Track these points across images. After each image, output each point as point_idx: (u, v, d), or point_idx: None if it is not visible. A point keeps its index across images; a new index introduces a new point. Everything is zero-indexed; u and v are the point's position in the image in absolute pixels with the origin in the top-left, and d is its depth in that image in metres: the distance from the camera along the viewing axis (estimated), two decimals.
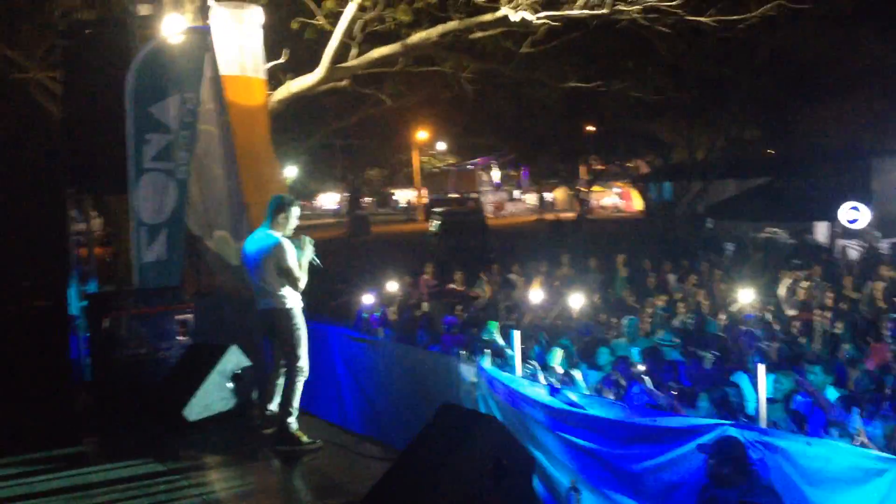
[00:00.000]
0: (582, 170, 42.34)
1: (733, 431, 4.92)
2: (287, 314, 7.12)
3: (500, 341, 9.62)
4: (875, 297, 12.45)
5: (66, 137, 9.36)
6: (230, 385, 8.05)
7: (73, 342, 8.71)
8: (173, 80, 9.17)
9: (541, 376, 7.31)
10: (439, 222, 32.93)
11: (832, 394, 7.39)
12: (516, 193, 67.01)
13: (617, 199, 61.13)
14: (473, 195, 57.47)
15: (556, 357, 8.76)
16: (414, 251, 26.70)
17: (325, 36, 13.79)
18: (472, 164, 62.86)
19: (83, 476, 6.71)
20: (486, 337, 9.85)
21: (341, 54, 13.98)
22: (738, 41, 17.79)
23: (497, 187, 65.99)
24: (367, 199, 64.13)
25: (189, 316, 8.95)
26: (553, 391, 5.99)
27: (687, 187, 31.04)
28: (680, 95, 22.56)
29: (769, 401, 6.16)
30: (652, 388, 7.65)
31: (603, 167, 43.49)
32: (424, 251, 28.34)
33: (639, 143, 34.49)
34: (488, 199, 60.02)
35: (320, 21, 13.99)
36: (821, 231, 23.42)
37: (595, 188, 47.55)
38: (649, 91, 19.93)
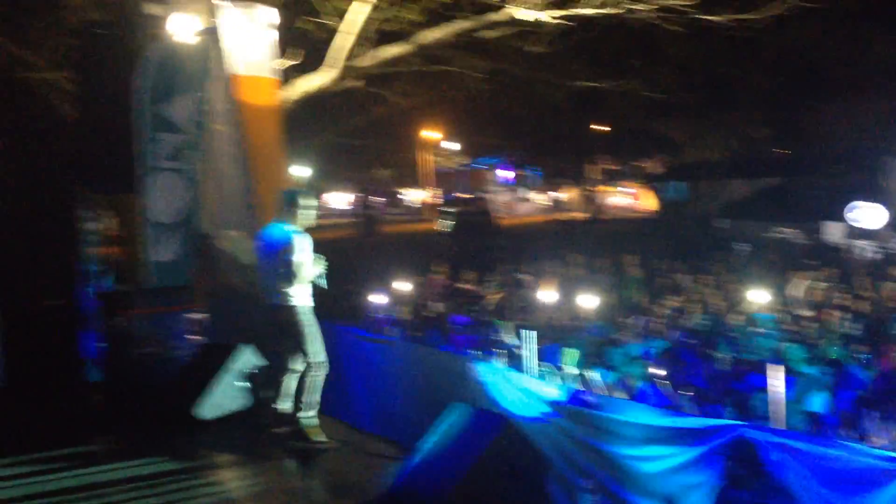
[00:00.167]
0: (593, 169, 42.28)
1: (750, 433, 4.87)
2: (294, 311, 7.14)
3: (512, 341, 9.58)
4: (884, 297, 12.34)
5: (78, 137, 9.39)
6: (242, 384, 8.05)
7: (87, 341, 8.72)
8: (183, 79, 9.19)
9: (554, 376, 7.27)
10: (450, 222, 32.91)
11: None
12: (527, 193, 66.92)
13: (628, 198, 61.01)
14: (484, 195, 57.47)
15: (568, 358, 8.71)
16: (424, 251, 26.65)
17: (336, 36, 13.80)
18: (482, 164, 62.83)
19: (96, 474, 6.72)
20: (497, 337, 9.82)
21: (352, 54, 13.99)
22: (748, 40, 17.75)
23: (507, 187, 65.92)
24: (378, 199, 64.15)
25: (201, 315, 8.96)
26: (567, 392, 5.95)
27: (700, 187, 30.93)
28: (690, 95, 22.50)
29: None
30: (667, 388, 7.60)
31: (614, 167, 43.46)
32: (435, 251, 28.31)
33: (650, 143, 34.44)
34: (499, 199, 59.97)
35: (331, 21, 14.00)
36: (835, 231, 23.28)
37: (606, 188, 47.49)
38: (659, 91, 19.87)
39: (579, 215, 43.20)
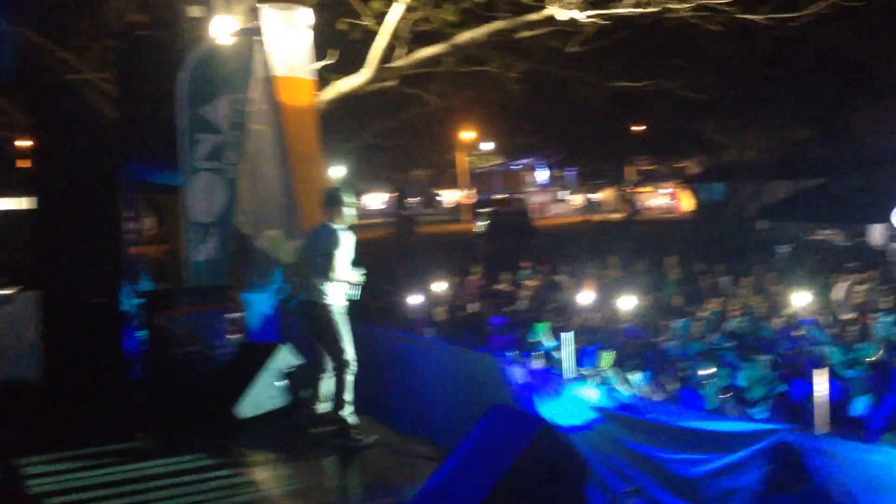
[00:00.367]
0: (629, 170, 41.98)
1: (792, 437, 4.82)
2: (327, 309, 7.21)
3: (549, 343, 9.56)
4: None
5: (119, 137, 9.51)
6: (280, 384, 8.11)
7: (128, 339, 8.83)
8: (223, 81, 9.26)
9: (592, 379, 7.24)
10: (485, 223, 32.88)
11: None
12: (562, 194, 66.60)
13: (665, 199, 60.44)
14: (519, 196, 57.31)
15: (606, 360, 8.68)
16: (460, 251, 26.64)
17: (372, 36, 13.84)
18: (517, 165, 62.66)
19: (138, 471, 6.80)
20: (534, 339, 9.80)
21: (388, 54, 14.02)
22: (789, 39, 17.51)
23: (543, 188, 65.68)
24: (413, 200, 64.23)
25: (240, 314, 9.03)
26: (607, 394, 5.92)
27: (739, 188, 30.59)
28: (730, 95, 22.25)
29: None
30: (707, 391, 7.54)
31: (651, 167, 43.13)
32: (471, 252, 28.29)
33: (688, 144, 34.11)
34: (534, 200, 59.76)
35: (367, 21, 14.04)
36: (878, 233, 22.91)
37: (643, 189, 47.13)
38: (698, 90, 19.65)
39: (615, 216, 42.94)
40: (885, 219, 21.06)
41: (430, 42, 14.70)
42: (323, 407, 7.54)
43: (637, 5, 13.04)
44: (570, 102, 25.05)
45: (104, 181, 8.97)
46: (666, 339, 10.58)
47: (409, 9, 13.58)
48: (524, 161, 60.32)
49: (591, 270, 15.97)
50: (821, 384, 5.25)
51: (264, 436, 7.64)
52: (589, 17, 13.17)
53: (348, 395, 7.24)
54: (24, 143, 18.46)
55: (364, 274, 7.33)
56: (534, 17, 13.60)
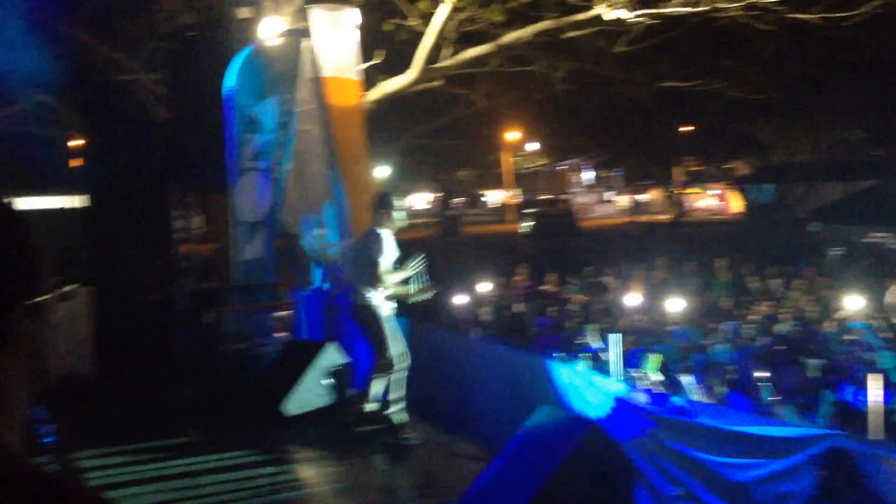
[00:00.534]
0: (677, 171, 41.53)
1: (846, 443, 4.71)
2: (366, 310, 7.25)
3: (597, 344, 9.49)
4: None
5: (170, 138, 9.63)
6: (327, 381, 8.16)
7: (178, 336, 8.94)
8: (271, 81, 9.35)
9: (641, 381, 7.17)
10: (531, 223, 32.79)
11: None
12: (608, 195, 66.15)
13: (714, 201, 59.72)
14: (564, 196, 57.01)
15: (653, 363, 8.59)
16: (505, 252, 26.60)
17: (418, 37, 13.86)
18: (563, 165, 62.39)
19: (186, 466, 6.89)
20: (581, 340, 9.74)
21: (434, 55, 14.03)
22: (842, 39, 17.16)
23: (588, 188, 65.31)
24: (458, 200, 64.26)
25: (287, 313, 9.11)
26: (654, 397, 5.85)
27: (789, 190, 30.13)
28: (781, 95, 21.88)
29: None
30: (758, 395, 7.43)
31: (699, 168, 42.64)
32: (515, 252, 28.23)
33: (737, 144, 33.63)
34: (580, 201, 59.44)
35: (413, 22, 14.06)
36: None
37: (691, 190, 46.62)
38: (749, 90, 19.36)
39: (662, 217, 42.56)
40: None
41: (476, 42, 14.68)
42: (370, 406, 7.57)
43: (685, 4, 12.89)
44: (617, 102, 24.86)
45: (154, 180, 9.10)
46: (715, 341, 10.46)
47: (456, 9, 13.57)
48: (570, 161, 60.01)
49: (638, 272, 15.84)
50: (876, 389, 5.14)
51: (311, 433, 7.69)
52: (636, 16, 13.05)
53: (395, 394, 7.27)
54: (77, 143, 18.79)
55: (421, 260, 7.35)
56: (580, 16, 13.51)
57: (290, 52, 9.49)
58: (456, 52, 14.52)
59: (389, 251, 7.28)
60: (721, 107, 23.97)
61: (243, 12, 10.40)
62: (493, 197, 68.44)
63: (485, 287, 13.49)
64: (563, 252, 26.36)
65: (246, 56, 9.29)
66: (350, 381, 8.38)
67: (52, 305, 1.30)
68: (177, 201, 10.05)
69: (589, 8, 13.25)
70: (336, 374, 8.21)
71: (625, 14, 12.91)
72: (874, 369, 8.02)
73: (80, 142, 15.44)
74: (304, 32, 9.69)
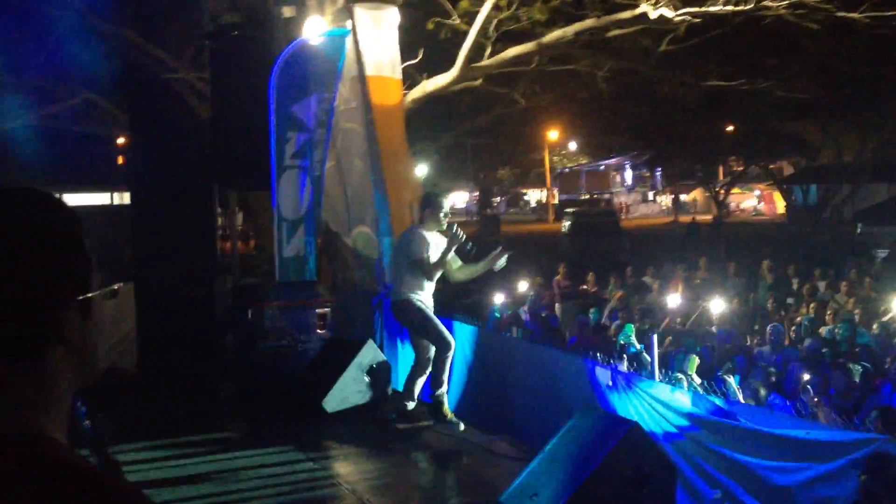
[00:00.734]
0: (719, 171, 41.06)
1: (889, 447, 4.63)
2: (401, 305, 7.31)
3: (637, 345, 9.43)
4: None
5: (213, 136, 9.72)
6: (366, 379, 8.20)
7: (220, 332, 9.04)
8: (312, 79, 9.39)
9: (682, 382, 7.11)
10: (571, 223, 32.63)
11: None
12: (650, 194, 65.67)
13: (757, 201, 58.97)
14: (606, 196, 56.70)
15: (693, 364, 8.51)
16: (545, 251, 26.51)
17: (460, 35, 13.84)
18: (604, 165, 62.06)
19: (229, 461, 6.97)
20: (622, 340, 9.68)
21: (475, 53, 14.01)
22: (891, 38, 16.82)
23: (629, 188, 64.87)
24: (498, 199, 64.21)
25: (327, 310, 9.17)
26: (696, 398, 5.80)
27: (834, 190, 29.66)
28: (828, 95, 21.49)
29: None
30: (802, 398, 7.33)
31: (741, 168, 42.14)
32: (555, 252, 28.12)
33: (782, 144, 33.14)
34: (620, 200, 59.07)
35: (455, 21, 14.05)
36: None
37: (734, 190, 46.08)
38: (794, 90, 19.05)
39: (704, 218, 42.13)
40: None
41: (519, 41, 14.63)
42: (412, 405, 7.61)
43: (730, 3, 12.74)
44: (660, 102, 24.62)
45: (197, 178, 9.20)
46: (758, 343, 10.34)
47: (497, 7, 13.53)
48: (611, 161, 59.68)
49: (680, 272, 15.71)
50: None
51: (350, 430, 7.73)
52: (680, 14, 12.92)
53: (444, 376, 7.34)
54: (125, 141, 19.07)
55: (503, 250, 7.40)
56: (624, 15, 13.40)
57: (332, 51, 9.53)
58: (497, 51, 14.48)
59: (433, 249, 7.32)
60: (766, 106, 23.63)
61: (286, 11, 10.46)
62: (533, 196, 68.23)
63: (524, 286, 13.47)
64: (605, 252, 26.22)
65: (288, 54, 9.35)
66: (390, 379, 8.42)
67: (100, 302, 1.33)
68: (219, 199, 10.17)
69: (633, 6, 13.13)
70: (375, 371, 8.25)
71: (668, 13, 12.78)
72: None
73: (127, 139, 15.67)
74: (346, 32, 9.74)
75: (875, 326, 10.90)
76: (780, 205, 42.04)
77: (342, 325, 9.39)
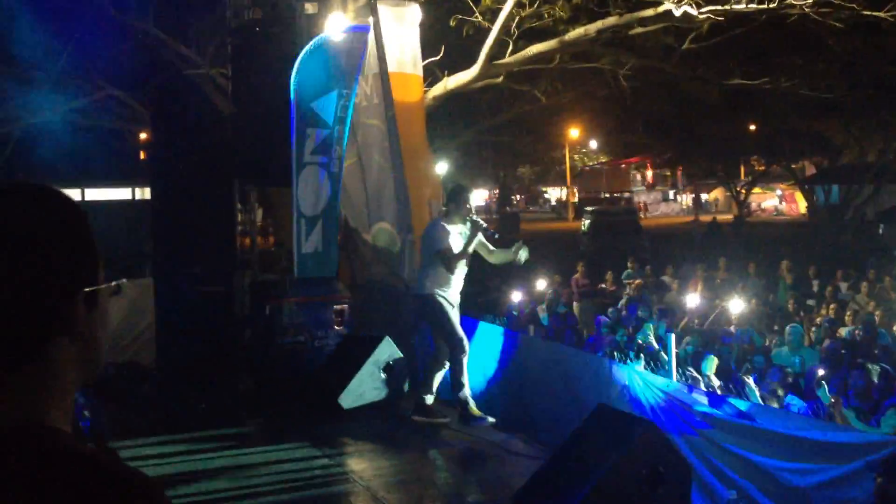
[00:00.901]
0: (741, 170, 40.75)
1: None
2: (423, 300, 7.36)
3: (655, 344, 9.39)
4: None
5: (234, 131, 9.76)
6: (383, 375, 8.22)
7: (238, 328, 9.08)
8: (333, 76, 9.41)
9: (700, 383, 7.09)
10: (591, 221, 32.53)
11: None
12: (670, 193, 65.36)
13: (778, 201, 58.55)
14: (626, 194, 56.50)
15: (712, 365, 8.47)
16: (563, 250, 26.46)
17: (481, 33, 13.82)
18: (625, 163, 61.80)
19: (245, 456, 7.01)
20: (640, 340, 9.65)
21: (497, 51, 13.98)
22: None
23: (649, 187, 64.59)
24: (517, 196, 64.09)
25: (345, 306, 9.19)
26: (713, 399, 5.78)
27: (856, 191, 29.40)
28: (853, 94, 21.29)
29: None
30: (819, 399, 7.28)
31: (762, 168, 41.82)
32: (575, 250, 28.05)
33: (805, 144, 32.83)
34: (641, 199, 58.83)
35: (477, 18, 14.02)
36: None
37: (755, 189, 45.73)
38: (819, 89, 18.87)
39: (724, 217, 41.88)
40: None
41: (541, 38, 14.59)
42: (430, 398, 7.64)
43: (753, 1, 12.64)
44: (683, 100, 24.48)
45: (218, 173, 9.23)
46: (777, 344, 10.28)
47: (520, 4, 13.50)
48: (632, 159, 59.43)
49: (700, 272, 15.64)
50: None
51: (366, 426, 7.75)
52: (704, 12, 12.83)
53: (464, 377, 7.36)
54: (146, 136, 19.17)
55: (524, 245, 7.43)
56: (648, 13, 13.32)
57: (353, 47, 9.55)
58: (519, 49, 14.45)
59: (455, 241, 7.35)
60: (788, 105, 23.44)
61: (309, 7, 10.49)
62: (553, 194, 68.07)
63: (542, 284, 13.46)
64: (624, 251, 26.13)
65: (309, 51, 9.37)
66: (407, 375, 8.43)
67: (107, 295, 1.35)
68: (240, 194, 10.19)
69: (656, 4, 13.06)
70: (392, 368, 8.27)
71: (692, 10, 12.69)
72: None
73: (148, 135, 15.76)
74: (367, 28, 9.75)
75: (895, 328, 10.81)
76: (802, 205, 41.69)
77: (360, 321, 9.40)
